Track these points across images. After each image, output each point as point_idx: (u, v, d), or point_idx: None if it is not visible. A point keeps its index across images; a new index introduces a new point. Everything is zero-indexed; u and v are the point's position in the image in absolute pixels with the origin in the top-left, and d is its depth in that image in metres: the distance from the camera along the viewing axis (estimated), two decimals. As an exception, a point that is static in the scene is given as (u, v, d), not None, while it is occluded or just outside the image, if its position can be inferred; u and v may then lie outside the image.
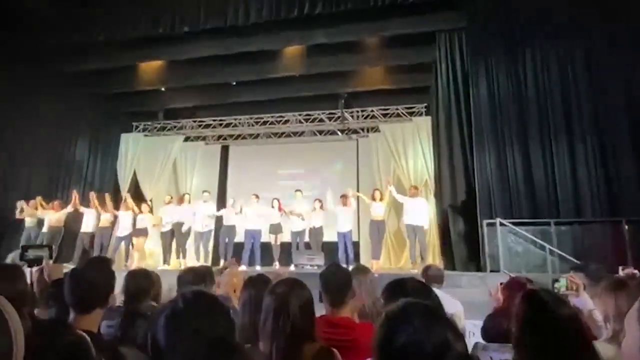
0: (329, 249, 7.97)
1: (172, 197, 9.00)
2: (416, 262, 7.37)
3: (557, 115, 6.70)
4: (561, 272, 5.47)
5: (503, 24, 7.27)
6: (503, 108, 6.99)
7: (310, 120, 10.31)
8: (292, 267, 7.38)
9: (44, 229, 8.16)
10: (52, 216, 8.25)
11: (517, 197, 6.72)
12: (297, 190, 8.35)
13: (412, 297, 1.26)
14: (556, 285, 2.05)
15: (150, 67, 9.45)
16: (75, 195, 8.39)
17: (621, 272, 3.30)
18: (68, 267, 2.68)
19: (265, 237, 8.16)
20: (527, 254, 6.32)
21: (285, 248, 8.12)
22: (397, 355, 0.75)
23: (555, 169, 6.58)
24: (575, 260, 5.56)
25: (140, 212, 8.67)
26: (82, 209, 8.51)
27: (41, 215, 8.19)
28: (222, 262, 7.83)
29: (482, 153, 6.99)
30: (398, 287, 1.52)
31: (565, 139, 6.61)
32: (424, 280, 2.77)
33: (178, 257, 8.42)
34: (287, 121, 10.43)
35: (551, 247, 6.04)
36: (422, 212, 7.51)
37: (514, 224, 6.39)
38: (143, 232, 8.60)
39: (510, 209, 6.69)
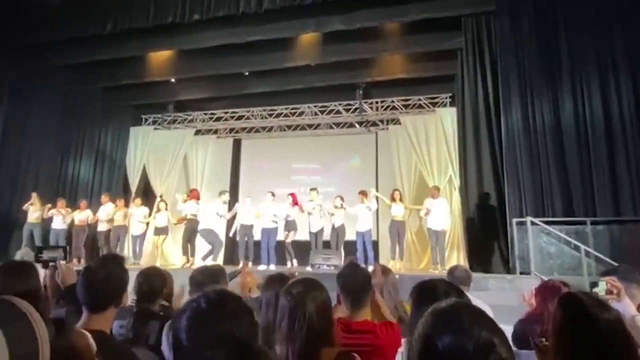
0: (349, 248, 7.99)
1: (188, 195, 9.07)
2: (437, 265, 7.45)
3: (596, 108, 6.51)
4: (597, 275, 5.35)
5: (535, 6, 7.09)
6: (535, 97, 6.85)
7: (326, 112, 10.29)
8: (308, 268, 7.41)
9: (56, 226, 8.43)
10: (78, 216, 8.70)
11: (549, 193, 6.58)
12: (312, 189, 8.23)
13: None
14: (595, 289, 2.01)
15: (160, 58, 9.56)
16: (95, 217, 8.83)
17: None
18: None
19: (281, 236, 8.20)
20: (561, 255, 6.20)
21: (303, 247, 8.13)
22: (441, 355, 0.76)
23: (592, 162, 6.41)
24: (613, 262, 5.42)
25: (159, 209, 8.95)
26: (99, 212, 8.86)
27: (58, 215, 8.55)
28: (241, 263, 7.96)
29: (512, 146, 6.87)
30: (428, 289, 1.50)
31: (603, 131, 6.43)
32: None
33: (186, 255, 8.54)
34: (301, 113, 10.43)
35: (587, 248, 5.89)
36: (443, 214, 7.61)
37: (546, 222, 6.27)
38: (164, 231, 8.87)
39: (542, 207, 6.56)
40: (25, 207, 8.34)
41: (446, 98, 9.47)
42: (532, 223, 6.25)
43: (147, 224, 9.07)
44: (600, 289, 1.98)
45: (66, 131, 9.71)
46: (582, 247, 5.89)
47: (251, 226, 8.20)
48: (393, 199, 7.94)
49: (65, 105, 9.54)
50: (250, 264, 7.95)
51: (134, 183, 10.65)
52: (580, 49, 6.71)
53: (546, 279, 4.80)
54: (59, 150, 9.64)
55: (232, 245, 10.48)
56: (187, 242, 8.42)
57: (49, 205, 8.48)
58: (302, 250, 8.07)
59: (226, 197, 8.46)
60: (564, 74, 6.75)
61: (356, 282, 2.00)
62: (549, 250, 6.28)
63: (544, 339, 1.62)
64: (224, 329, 0.81)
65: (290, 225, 8.11)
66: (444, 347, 0.76)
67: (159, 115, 11.19)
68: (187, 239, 8.39)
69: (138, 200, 9.16)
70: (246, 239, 8.13)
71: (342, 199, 8.00)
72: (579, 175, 6.47)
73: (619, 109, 6.41)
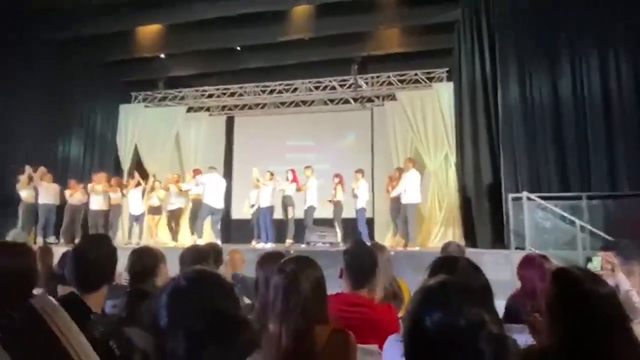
0: (346, 225, 8.04)
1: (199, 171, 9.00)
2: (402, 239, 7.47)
3: (594, 82, 6.47)
4: (592, 250, 5.43)
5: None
6: (533, 70, 6.80)
7: (320, 88, 10.16)
8: (303, 245, 7.48)
9: (42, 201, 8.36)
10: (72, 195, 8.66)
11: (545, 169, 6.62)
12: (307, 167, 8.18)
13: (461, 276, 1.27)
14: (589, 264, 2.04)
15: (149, 32, 9.33)
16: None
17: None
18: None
19: (278, 214, 8.23)
20: (556, 230, 6.27)
21: (298, 225, 8.15)
22: (430, 332, 0.77)
23: (589, 137, 6.42)
24: (608, 237, 5.49)
25: (152, 189, 9.03)
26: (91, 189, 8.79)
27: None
28: (253, 242, 8.15)
29: (509, 121, 6.85)
30: (446, 265, 1.50)
31: (601, 106, 6.42)
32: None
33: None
34: (295, 89, 10.30)
35: (582, 223, 5.96)
36: (415, 187, 7.38)
37: (542, 198, 6.31)
38: (158, 211, 8.98)
39: (538, 182, 6.61)
40: (20, 184, 8.24)
41: (443, 73, 9.37)
42: (528, 198, 6.30)
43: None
44: (595, 264, 2.01)
45: (55, 108, 9.51)
46: (577, 222, 5.96)
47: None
48: (392, 179, 7.99)
49: (54, 83, 9.34)
50: (254, 242, 8.16)
51: (125, 162, 10.56)
52: (580, 20, 6.62)
53: (542, 254, 4.87)
54: (48, 127, 9.47)
55: (228, 224, 10.55)
56: (191, 221, 8.59)
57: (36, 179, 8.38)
58: (297, 227, 8.11)
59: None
60: (563, 47, 6.68)
61: (361, 262, 2.00)
62: (544, 225, 6.35)
63: (537, 314, 1.64)
64: (202, 301, 0.83)
65: (288, 201, 8.11)
66: (433, 324, 0.77)
67: (149, 93, 11.02)
68: (192, 218, 8.58)
69: (134, 180, 9.11)
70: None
71: (339, 176, 7.99)
72: (576, 150, 6.50)
73: (618, 82, 6.38)
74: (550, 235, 6.29)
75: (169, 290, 0.86)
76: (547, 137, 6.65)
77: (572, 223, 6.05)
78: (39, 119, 9.16)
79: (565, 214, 6.15)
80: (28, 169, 8.29)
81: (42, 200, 8.37)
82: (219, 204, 8.04)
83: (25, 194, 8.29)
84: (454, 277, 0.89)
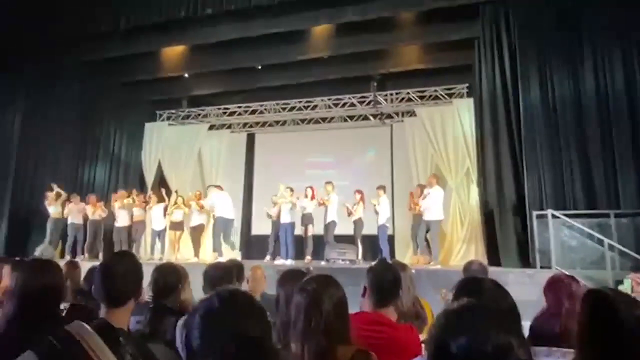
0: (367, 242, 8.00)
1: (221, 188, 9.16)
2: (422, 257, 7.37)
3: (619, 95, 6.34)
4: (622, 270, 5.24)
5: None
6: (555, 83, 6.70)
7: (340, 105, 10.23)
8: (323, 262, 7.43)
9: (71, 220, 8.56)
10: (93, 210, 8.80)
11: (571, 185, 6.45)
12: (327, 183, 8.20)
13: (486, 298, 1.24)
14: (620, 287, 1.97)
15: (173, 53, 9.64)
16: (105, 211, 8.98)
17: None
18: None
19: (299, 230, 8.24)
20: (583, 249, 6.07)
21: (318, 241, 8.12)
22: (455, 357, 0.75)
23: (616, 152, 6.26)
24: (638, 257, 5.30)
25: (176, 204, 9.16)
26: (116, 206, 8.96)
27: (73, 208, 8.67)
28: (267, 257, 8.27)
29: (531, 136, 6.73)
30: (471, 286, 1.47)
31: (627, 119, 6.27)
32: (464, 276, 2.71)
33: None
34: (315, 106, 10.40)
35: (610, 242, 5.76)
36: (438, 203, 7.34)
37: (568, 215, 6.14)
38: (179, 226, 9.09)
39: (563, 199, 6.44)
40: (48, 200, 8.48)
41: (463, 89, 9.33)
42: (553, 216, 6.13)
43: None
44: (626, 286, 1.94)
45: (83, 126, 9.85)
46: (606, 240, 5.76)
47: (277, 221, 8.39)
48: (414, 196, 7.95)
49: (82, 102, 9.68)
50: (268, 257, 8.21)
51: (149, 179, 10.78)
52: (604, 31, 6.51)
53: (568, 273, 4.72)
54: (76, 144, 9.79)
55: (249, 240, 10.61)
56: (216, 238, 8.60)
57: (63, 197, 8.62)
58: (317, 244, 8.08)
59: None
60: (586, 59, 6.57)
61: (384, 280, 1.97)
62: (571, 243, 6.16)
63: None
64: (235, 325, 0.83)
65: (307, 219, 8.13)
66: (458, 349, 0.75)
67: (173, 111, 11.31)
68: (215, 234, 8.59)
69: (155, 197, 9.28)
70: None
71: (361, 193, 7.97)
72: (602, 165, 6.33)
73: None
74: (577, 254, 6.09)
75: (202, 311, 0.87)
76: (571, 152, 6.50)
77: (600, 242, 5.86)
78: (67, 137, 9.48)
79: (593, 232, 5.96)
80: (55, 186, 8.54)
81: (70, 219, 8.60)
82: (230, 214, 8.37)
83: (53, 210, 8.53)
84: (480, 300, 0.87)
